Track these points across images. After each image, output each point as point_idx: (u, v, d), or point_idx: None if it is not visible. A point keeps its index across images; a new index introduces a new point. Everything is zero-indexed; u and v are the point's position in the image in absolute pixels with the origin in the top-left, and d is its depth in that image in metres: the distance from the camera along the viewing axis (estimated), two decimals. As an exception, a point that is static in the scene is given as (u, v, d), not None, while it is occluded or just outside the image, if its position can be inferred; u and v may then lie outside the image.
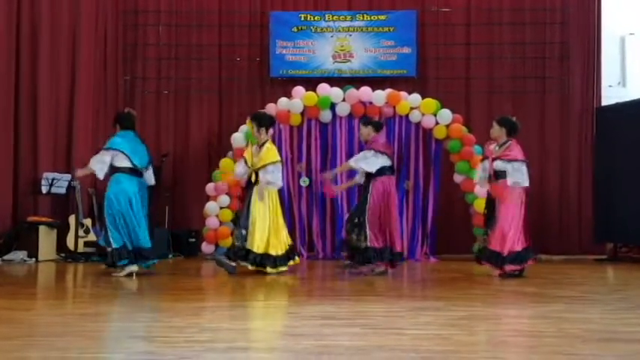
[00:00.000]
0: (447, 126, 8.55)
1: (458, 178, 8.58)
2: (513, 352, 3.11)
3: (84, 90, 8.87)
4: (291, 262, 6.61)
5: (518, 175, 6.50)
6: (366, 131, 6.95)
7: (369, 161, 6.74)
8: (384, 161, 6.76)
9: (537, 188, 9.17)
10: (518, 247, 6.43)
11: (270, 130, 6.91)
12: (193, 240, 8.81)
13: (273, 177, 6.60)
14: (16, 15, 8.30)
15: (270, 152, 6.69)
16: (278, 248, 6.52)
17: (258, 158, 6.63)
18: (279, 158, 6.75)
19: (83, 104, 8.86)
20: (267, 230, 6.50)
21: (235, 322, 3.83)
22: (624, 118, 8.63)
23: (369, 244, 6.55)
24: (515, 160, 6.53)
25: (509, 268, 6.40)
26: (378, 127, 7.01)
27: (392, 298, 5.09)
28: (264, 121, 6.78)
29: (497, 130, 6.73)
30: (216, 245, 8.30)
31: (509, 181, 6.47)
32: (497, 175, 6.55)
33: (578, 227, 9.11)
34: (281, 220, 6.66)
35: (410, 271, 7.27)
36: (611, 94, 9.24)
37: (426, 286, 6.45)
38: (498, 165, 6.57)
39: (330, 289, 5.84)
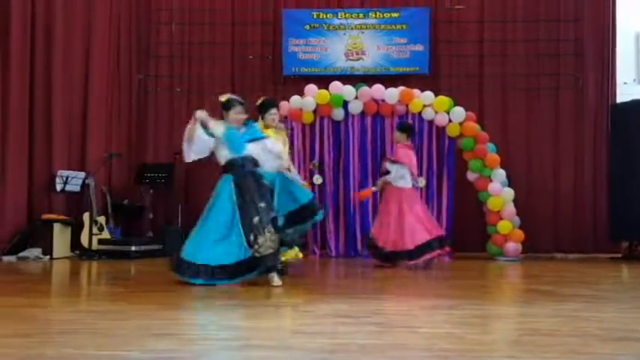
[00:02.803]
0: (461, 123, 8.52)
1: (471, 175, 8.56)
2: (528, 351, 3.09)
3: (98, 88, 8.93)
4: None
5: (397, 177, 7.06)
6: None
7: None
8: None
9: (552, 185, 9.16)
10: (417, 243, 6.90)
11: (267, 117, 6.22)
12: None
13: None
14: (31, 14, 8.34)
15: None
16: None
17: None
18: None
19: (97, 102, 8.92)
20: None
21: (251, 320, 3.83)
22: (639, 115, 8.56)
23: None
24: (397, 162, 7.10)
25: (410, 263, 6.87)
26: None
27: (405, 296, 5.07)
28: (260, 107, 6.24)
29: (398, 136, 7.36)
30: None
31: (391, 180, 7.11)
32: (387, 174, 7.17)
33: (593, 225, 9.06)
34: None
35: (423, 269, 7.24)
36: (626, 91, 9.20)
37: (440, 284, 6.43)
38: (386, 166, 7.23)
39: (343, 287, 5.83)
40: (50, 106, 8.50)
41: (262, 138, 5.60)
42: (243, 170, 5.39)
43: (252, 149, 5.47)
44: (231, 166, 5.44)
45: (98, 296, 5.27)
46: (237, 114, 5.54)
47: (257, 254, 5.17)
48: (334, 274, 6.98)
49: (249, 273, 5.25)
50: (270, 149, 5.56)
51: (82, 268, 7.13)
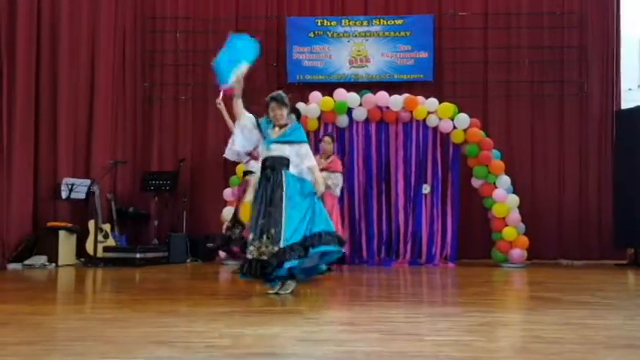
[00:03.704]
0: (465, 130, 8.52)
1: (476, 182, 8.55)
2: (534, 359, 3.08)
3: (103, 96, 8.97)
4: None
5: (334, 185, 7.28)
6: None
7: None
8: None
9: (556, 192, 9.14)
10: None
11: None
12: (211, 245, 8.84)
13: None
14: (36, 23, 8.38)
15: None
16: None
17: None
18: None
19: (102, 111, 8.95)
20: None
21: (254, 328, 3.83)
22: (644, 122, 8.55)
23: None
24: (336, 171, 7.35)
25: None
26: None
27: (411, 303, 5.06)
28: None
29: (334, 147, 7.69)
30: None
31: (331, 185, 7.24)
32: None
33: (598, 232, 9.03)
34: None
35: (429, 277, 7.23)
36: (630, 98, 9.20)
37: (445, 291, 6.42)
38: (323, 175, 7.27)
39: (348, 294, 5.82)
40: (55, 114, 8.53)
41: (299, 142, 5.30)
42: (267, 172, 5.21)
43: (287, 150, 5.23)
44: (262, 165, 5.31)
45: (103, 304, 5.28)
46: (271, 110, 5.30)
47: (249, 255, 5.04)
48: (339, 280, 6.97)
49: (247, 273, 5.10)
50: (303, 155, 5.25)
51: (87, 276, 7.14)
